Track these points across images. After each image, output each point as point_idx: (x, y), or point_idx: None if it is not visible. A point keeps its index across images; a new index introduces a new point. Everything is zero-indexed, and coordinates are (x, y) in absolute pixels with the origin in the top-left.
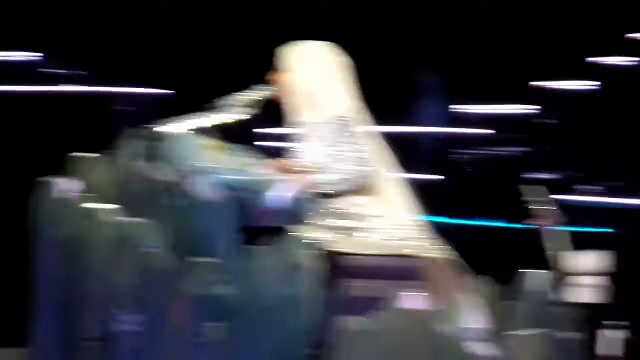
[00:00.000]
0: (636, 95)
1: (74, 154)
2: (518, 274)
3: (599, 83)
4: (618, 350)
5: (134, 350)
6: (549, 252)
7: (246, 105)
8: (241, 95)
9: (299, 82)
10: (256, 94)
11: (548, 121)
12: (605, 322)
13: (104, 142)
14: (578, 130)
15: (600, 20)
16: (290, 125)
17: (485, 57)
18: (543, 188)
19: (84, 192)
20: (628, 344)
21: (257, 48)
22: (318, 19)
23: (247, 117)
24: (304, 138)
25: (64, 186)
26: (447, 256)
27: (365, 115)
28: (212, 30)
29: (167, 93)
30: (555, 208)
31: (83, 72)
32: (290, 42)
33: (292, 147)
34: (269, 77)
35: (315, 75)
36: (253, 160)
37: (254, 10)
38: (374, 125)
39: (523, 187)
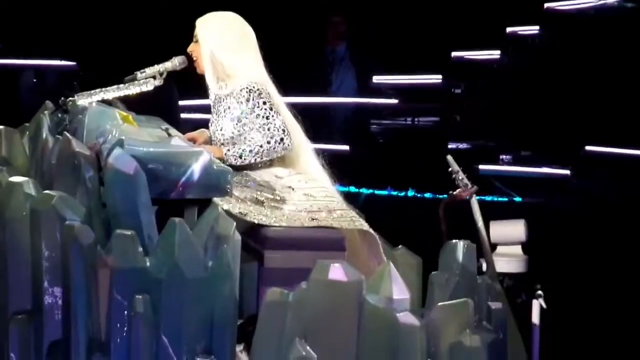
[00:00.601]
0: (552, 64)
1: None
2: (440, 244)
3: (513, 53)
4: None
5: (61, 323)
6: (476, 222)
7: (156, 77)
8: (152, 67)
9: (209, 53)
10: (167, 65)
11: (460, 91)
12: (533, 291)
13: (16, 115)
14: (492, 100)
15: None
16: (207, 95)
17: (399, 26)
18: (449, 157)
19: (0, 166)
20: (544, 312)
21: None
22: None
23: (156, 89)
24: (218, 109)
25: None
26: (363, 226)
27: (274, 85)
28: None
29: (74, 65)
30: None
31: None
32: (205, 14)
33: (209, 118)
34: (188, 49)
35: (224, 45)
36: (164, 132)
37: None
38: (283, 96)
39: (449, 158)
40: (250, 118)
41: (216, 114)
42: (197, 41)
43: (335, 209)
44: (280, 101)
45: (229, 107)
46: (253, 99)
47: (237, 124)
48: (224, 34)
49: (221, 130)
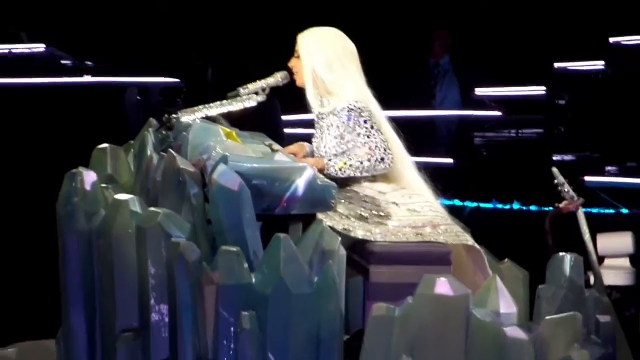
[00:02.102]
0: None
1: (97, 146)
2: (547, 257)
3: (617, 63)
4: None
5: (168, 340)
6: (583, 235)
7: (259, 93)
8: (254, 83)
9: (311, 70)
10: (269, 81)
11: (564, 102)
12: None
13: (120, 133)
14: (597, 111)
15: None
16: (310, 111)
17: (502, 38)
18: (554, 169)
19: (106, 183)
20: None
21: (274, 36)
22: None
23: (259, 104)
24: (321, 125)
25: (87, 177)
26: (468, 241)
27: (376, 100)
28: (226, 18)
29: (177, 82)
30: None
31: (89, 63)
32: (307, 29)
33: (312, 133)
34: (289, 64)
35: (326, 63)
36: (268, 148)
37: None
38: (385, 110)
39: (554, 170)
40: (352, 136)
41: (319, 130)
42: (298, 56)
43: (439, 223)
44: (382, 117)
45: (331, 125)
46: (354, 118)
47: (340, 141)
48: (325, 50)
49: (324, 147)
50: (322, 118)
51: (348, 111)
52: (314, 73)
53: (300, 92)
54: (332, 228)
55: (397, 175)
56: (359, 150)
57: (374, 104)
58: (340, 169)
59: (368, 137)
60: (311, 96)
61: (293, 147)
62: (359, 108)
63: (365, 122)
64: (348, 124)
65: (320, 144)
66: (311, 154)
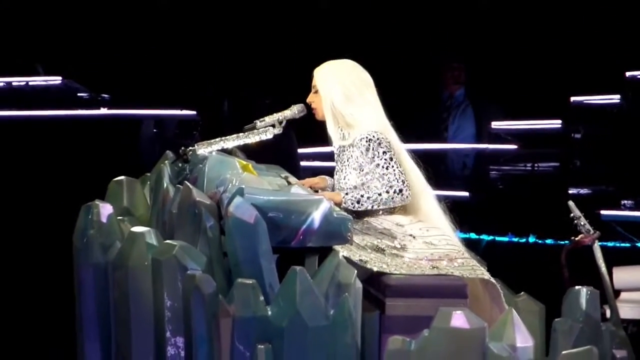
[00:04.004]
0: None
1: (114, 178)
2: (563, 290)
3: (632, 97)
4: None
5: None
6: (599, 268)
7: (275, 126)
8: (271, 116)
9: (330, 105)
10: (286, 114)
11: (579, 136)
12: None
13: (137, 165)
14: (612, 144)
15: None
16: (328, 144)
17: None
18: (571, 203)
19: (122, 216)
20: None
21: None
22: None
23: (275, 137)
24: (342, 158)
25: (103, 210)
26: (484, 276)
27: (395, 131)
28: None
29: (193, 114)
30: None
31: (105, 95)
32: (321, 62)
33: (328, 166)
34: (307, 100)
35: (344, 96)
36: (284, 180)
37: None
38: (403, 142)
39: (570, 203)
40: (371, 167)
41: (340, 163)
42: (316, 91)
43: (456, 257)
44: (401, 148)
45: (351, 156)
46: (373, 149)
47: (359, 173)
48: (342, 83)
49: (345, 179)
50: (343, 151)
51: (367, 142)
52: (333, 107)
53: (317, 124)
54: (348, 259)
55: (416, 207)
56: (377, 183)
57: (392, 134)
58: (358, 202)
59: (387, 168)
60: (332, 130)
61: (315, 180)
62: (378, 139)
63: (384, 153)
64: (367, 154)
65: (340, 177)
66: (332, 188)
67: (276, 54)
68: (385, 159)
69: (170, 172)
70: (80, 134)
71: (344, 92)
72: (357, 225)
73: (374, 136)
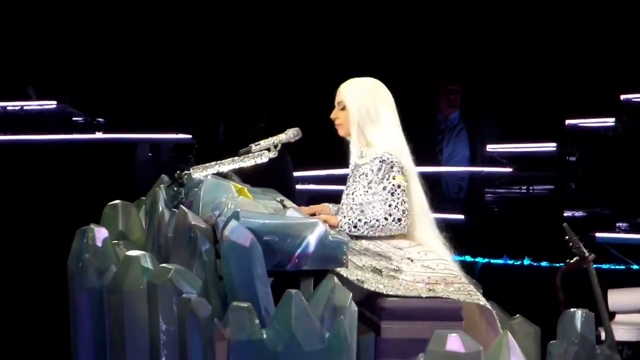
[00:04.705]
0: None
1: (109, 202)
2: (558, 313)
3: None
4: None
5: None
6: (594, 290)
7: (271, 149)
8: (266, 139)
9: (357, 124)
10: (281, 137)
11: (574, 159)
12: None
13: (132, 189)
14: (607, 167)
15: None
16: (321, 166)
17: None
18: (566, 225)
19: (118, 240)
20: None
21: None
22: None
23: (271, 160)
24: (355, 174)
25: (99, 234)
26: (480, 301)
27: (410, 152)
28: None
29: (189, 138)
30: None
31: (101, 119)
32: (346, 80)
33: (323, 189)
34: (332, 116)
35: (370, 117)
36: (279, 204)
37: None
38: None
39: (565, 226)
40: (378, 188)
41: (352, 179)
42: (343, 108)
43: (453, 282)
44: (413, 170)
45: (363, 173)
46: (385, 171)
47: (367, 191)
48: (372, 102)
49: (352, 194)
50: (358, 168)
51: (380, 162)
52: (360, 125)
53: (313, 149)
54: (345, 278)
55: (416, 231)
56: (379, 205)
57: (406, 157)
58: (355, 226)
59: (392, 194)
60: (355, 147)
61: (317, 208)
62: (391, 162)
63: (394, 177)
64: (377, 174)
65: (349, 192)
66: (337, 213)
67: (273, 77)
68: (393, 185)
69: (165, 196)
70: (75, 158)
71: (370, 110)
72: (356, 245)
73: (387, 158)
